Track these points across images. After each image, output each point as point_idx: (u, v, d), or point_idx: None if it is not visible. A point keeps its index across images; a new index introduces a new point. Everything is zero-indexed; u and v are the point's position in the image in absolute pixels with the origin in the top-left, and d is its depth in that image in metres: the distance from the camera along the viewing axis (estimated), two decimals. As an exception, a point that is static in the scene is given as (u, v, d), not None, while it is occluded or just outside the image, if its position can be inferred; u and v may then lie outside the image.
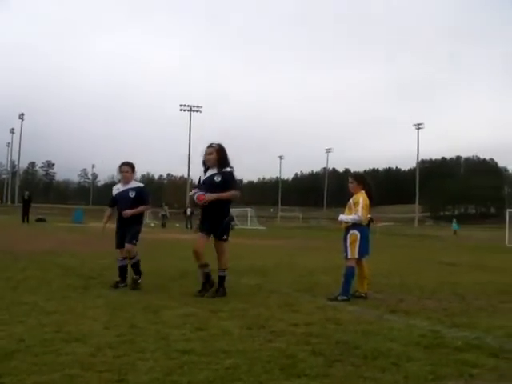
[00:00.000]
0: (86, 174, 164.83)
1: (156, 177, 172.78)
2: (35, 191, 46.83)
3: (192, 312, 6.11)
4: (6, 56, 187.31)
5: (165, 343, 4.67)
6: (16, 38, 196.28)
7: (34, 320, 5.47)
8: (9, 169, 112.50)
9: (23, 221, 34.94)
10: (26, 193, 37.31)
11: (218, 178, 7.34)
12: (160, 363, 4.06)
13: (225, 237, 7.45)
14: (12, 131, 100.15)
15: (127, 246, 7.96)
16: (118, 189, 8.30)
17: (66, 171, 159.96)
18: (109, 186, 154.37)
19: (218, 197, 7.24)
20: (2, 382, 3.57)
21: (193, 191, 7.60)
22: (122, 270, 8.16)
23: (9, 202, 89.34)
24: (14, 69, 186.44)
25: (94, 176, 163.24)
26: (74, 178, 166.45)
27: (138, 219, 8.22)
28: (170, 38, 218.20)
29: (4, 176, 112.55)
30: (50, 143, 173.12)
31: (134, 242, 8.02)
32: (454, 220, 58.18)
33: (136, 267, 8.07)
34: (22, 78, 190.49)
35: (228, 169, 7.44)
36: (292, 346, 4.72)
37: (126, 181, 8.19)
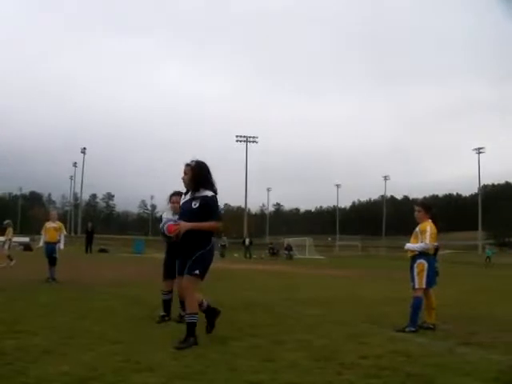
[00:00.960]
0: (145, 205, 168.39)
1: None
2: (97, 222, 48.24)
3: (257, 343, 6.08)
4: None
5: (234, 374, 4.65)
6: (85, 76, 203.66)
7: (104, 349, 5.57)
8: (72, 201, 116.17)
9: (86, 251, 35.89)
10: (90, 224, 38.43)
11: (195, 204, 6.04)
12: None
13: (196, 271, 5.94)
14: (75, 165, 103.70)
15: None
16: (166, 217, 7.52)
17: (126, 202, 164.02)
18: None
19: (193, 227, 5.94)
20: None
21: (164, 220, 6.66)
22: (167, 304, 7.88)
23: (72, 233, 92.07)
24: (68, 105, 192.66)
25: (153, 207, 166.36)
26: (134, 209, 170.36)
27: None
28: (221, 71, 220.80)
29: (67, 208, 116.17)
30: (110, 175, 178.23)
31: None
32: (488, 246, 60.26)
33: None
34: (82, 113, 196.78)
35: (209, 193, 6.07)
36: (362, 378, 4.62)
37: (176, 211, 7.43)
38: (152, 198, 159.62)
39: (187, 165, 6.13)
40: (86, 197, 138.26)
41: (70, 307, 8.72)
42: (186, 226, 5.92)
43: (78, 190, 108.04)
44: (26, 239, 66.31)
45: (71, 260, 20.50)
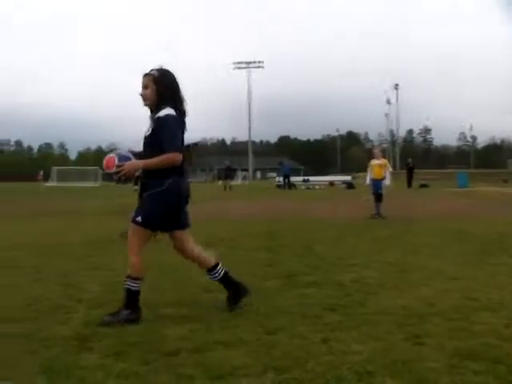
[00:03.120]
0: (465, 137, 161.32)
1: None
2: (415, 158, 48.23)
3: None
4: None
5: None
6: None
7: (440, 285, 5.49)
8: (388, 138, 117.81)
9: (409, 186, 36.25)
10: (410, 160, 38.56)
11: (148, 130, 4.43)
12: None
13: (138, 218, 4.31)
14: (388, 102, 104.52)
15: None
16: None
17: (444, 136, 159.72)
18: (490, 147, 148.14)
19: (134, 167, 4.34)
20: (420, 343, 3.64)
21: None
22: None
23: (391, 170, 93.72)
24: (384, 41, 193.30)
25: (473, 138, 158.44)
26: (452, 142, 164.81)
27: None
28: None
29: (384, 145, 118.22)
30: (426, 110, 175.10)
31: None
32: None
33: None
34: (395, 50, 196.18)
35: (166, 111, 4.32)
36: None
37: None
38: (471, 128, 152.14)
39: (147, 75, 4.43)
40: (402, 133, 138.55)
41: (400, 242, 8.85)
42: (129, 166, 4.31)
43: (393, 127, 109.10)
44: (347, 178, 70.22)
45: (395, 196, 20.83)
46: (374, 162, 14.20)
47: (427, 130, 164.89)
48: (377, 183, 13.93)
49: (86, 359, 3.39)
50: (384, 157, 14.44)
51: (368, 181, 14.36)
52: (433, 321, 4.14)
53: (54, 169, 64.35)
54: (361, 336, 3.79)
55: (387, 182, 13.98)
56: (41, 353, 3.51)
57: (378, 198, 13.77)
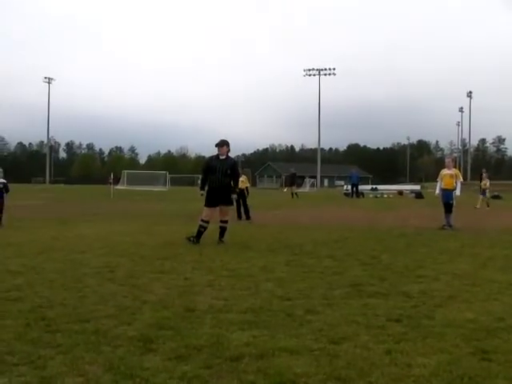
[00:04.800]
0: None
1: None
2: (487, 168, 46.84)
3: None
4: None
5: None
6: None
7: (509, 299, 5.32)
8: (460, 147, 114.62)
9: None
10: (484, 170, 37.30)
11: None
12: None
13: None
14: (461, 110, 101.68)
15: None
16: None
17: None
18: None
19: None
20: (488, 358, 3.53)
21: None
22: None
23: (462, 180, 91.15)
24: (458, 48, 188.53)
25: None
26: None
27: None
28: None
29: (456, 154, 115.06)
30: (500, 119, 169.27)
31: None
32: None
33: None
34: (469, 57, 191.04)
35: None
36: None
37: None
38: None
39: None
40: (474, 142, 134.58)
41: (470, 254, 8.62)
42: None
43: (465, 136, 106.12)
44: (417, 187, 68.74)
45: (466, 206, 20.27)
46: (445, 171, 13.81)
47: (501, 140, 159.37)
48: (447, 193, 13.54)
49: (149, 361, 3.48)
50: (455, 166, 13.96)
51: (438, 190, 14.03)
52: (502, 336, 4.02)
53: (124, 172, 66.11)
54: (426, 348, 3.72)
55: (457, 192, 13.58)
56: (107, 352, 3.63)
57: (448, 208, 13.40)
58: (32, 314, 4.54)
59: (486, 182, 25.30)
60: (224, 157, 9.96)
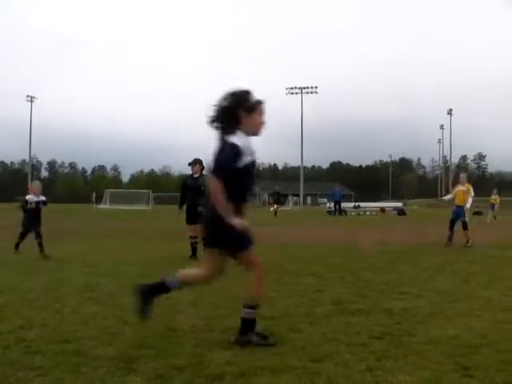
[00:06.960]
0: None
1: None
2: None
3: None
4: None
5: None
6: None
7: (491, 315, 5.34)
8: (441, 164, 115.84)
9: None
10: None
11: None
12: None
13: None
14: (442, 127, 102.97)
15: None
16: None
17: (499, 162, 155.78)
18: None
19: None
20: (469, 375, 3.55)
21: None
22: None
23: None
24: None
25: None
26: (507, 168, 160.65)
27: None
28: None
29: (437, 172, 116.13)
30: (481, 136, 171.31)
31: None
32: None
33: None
34: (450, 76, 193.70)
35: None
36: None
37: None
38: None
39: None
40: (455, 159, 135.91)
41: (452, 270, 8.68)
42: None
43: (446, 153, 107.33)
44: (399, 204, 69.20)
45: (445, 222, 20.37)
46: (459, 188, 13.88)
47: (481, 157, 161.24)
48: (459, 211, 13.58)
49: (130, 381, 3.45)
50: (468, 182, 14.18)
51: (446, 197, 14.75)
52: (483, 352, 4.04)
53: (107, 192, 65.76)
54: (407, 366, 3.73)
55: (467, 205, 13.60)
56: (87, 373, 3.59)
57: (464, 226, 13.43)
58: (12, 335, 4.48)
59: (497, 198, 31.49)
60: (197, 175, 10.28)
